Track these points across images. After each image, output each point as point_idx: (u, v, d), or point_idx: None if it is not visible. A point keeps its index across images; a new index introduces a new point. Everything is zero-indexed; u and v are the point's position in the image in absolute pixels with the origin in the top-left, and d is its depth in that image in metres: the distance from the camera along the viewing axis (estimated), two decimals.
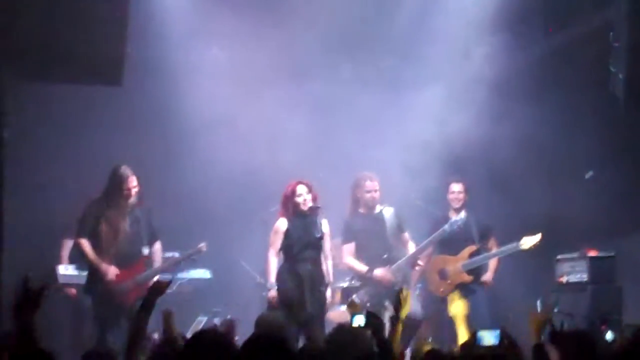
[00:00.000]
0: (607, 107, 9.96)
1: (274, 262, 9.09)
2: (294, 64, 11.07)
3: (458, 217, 9.81)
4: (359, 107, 11.18)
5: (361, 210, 9.81)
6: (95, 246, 9.10)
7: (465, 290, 10.04)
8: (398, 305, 6.08)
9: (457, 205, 10.07)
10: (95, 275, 9.12)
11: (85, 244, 9.13)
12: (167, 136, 11.21)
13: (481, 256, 10.10)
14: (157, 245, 9.43)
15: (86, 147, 10.82)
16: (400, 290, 6.24)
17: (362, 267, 9.62)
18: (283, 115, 10.93)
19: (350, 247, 9.77)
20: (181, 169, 10.85)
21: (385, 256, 9.64)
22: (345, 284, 9.84)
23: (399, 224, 9.82)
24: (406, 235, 9.88)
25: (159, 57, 10.72)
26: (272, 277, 9.01)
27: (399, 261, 9.62)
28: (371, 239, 9.69)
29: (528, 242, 9.80)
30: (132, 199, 9.15)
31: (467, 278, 10.06)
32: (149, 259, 9.23)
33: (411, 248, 9.79)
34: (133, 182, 9.12)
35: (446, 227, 9.78)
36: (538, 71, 10.73)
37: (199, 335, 4.77)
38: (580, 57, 10.48)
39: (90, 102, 10.68)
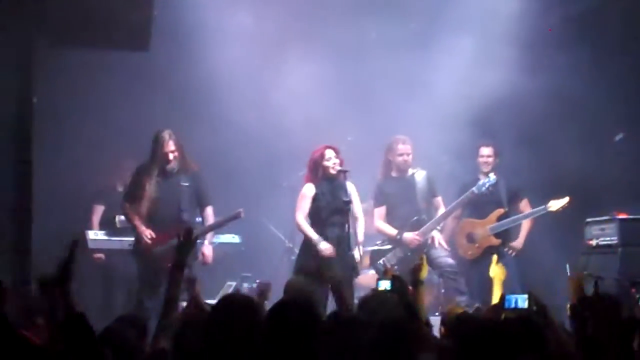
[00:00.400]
0: (636, 70, 9.86)
1: (306, 223, 9.08)
2: (321, 27, 10.98)
3: (486, 180, 9.76)
4: (387, 68, 11.10)
5: (393, 173, 9.82)
6: (137, 210, 9.20)
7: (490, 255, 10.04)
8: (417, 269, 6.05)
9: (486, 169, 10.02)
10: (137, 237, 9.24)
11: (127, 207, 9.29)
12: (194, 101, 11.19)
13: (508, 219, 10.06)
14: (209, 210, 9.43)
15: (113, 113, 10.83)
16: (420, 256, 6.25)
17: (392, 231, 9.66)
18: (310, 79, 10.87)
19: (381, 211, 9.80)
20: (209, 133, 10.83)
21: (414, 219, 9.64)
22: (374, 247, 9.84)
23: (431, 187, 9.83)
24: (438, 199, 9.88)
25: (184, 21, 10.67)
26: (313, 234, 8.98)
27: (427, 224, 9.62)
28: (402, 202, 9.71)
29: (555, 204, 9.76)
30: (172, 164, 9.17)
31: (495, 241, 10.05)
32: (187, 222, 9.17)
33: (442, 212, 9.79)
34: (170, 146, 9.16)
35: (474, 189, 9.76)
36: (569, 30, 10.59)
37: (226, 299, 4.74)
38: (613, 16, 10.37)
39: (117, 68, 10.67)
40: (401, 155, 9.72)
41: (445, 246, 9.66)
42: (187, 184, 9.27)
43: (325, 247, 8.87)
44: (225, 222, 9.41)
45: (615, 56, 10.33)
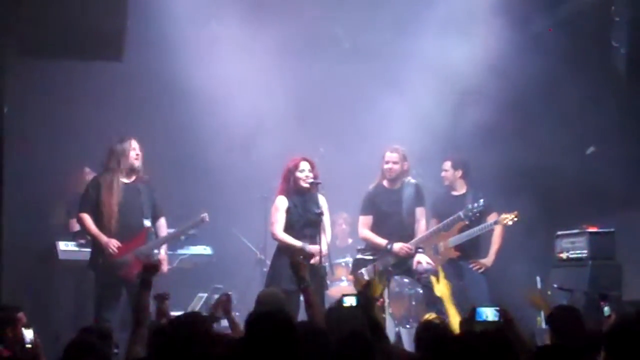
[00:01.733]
0: (608, 81, 9.93)
1: (285, 234, 9.02)
2: (293, 36, 11.01)
3: (475, 205, 9.65)
4: (360, 77, 11.15)
5: (385, 183, 9.67)
6: (97, 220, 9.08)
7: (457, 267, 10.09)
8: (369, 286, 5.98)
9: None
10: (97, 249, 9.12)
11: (86, 218, 9.11)
12: (167, 111, 11.18)
13: (463, 233, 10.01)
14: (162, 221, 9.38)
15: (86, 122, 10.79)
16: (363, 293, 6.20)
17: (381, 240, 9.47)
18: (283, 88, 10.91)
19: (368, 220, 9.64)
20: (180, 144, 10.84)
21: (403, 233, 9.50)
22: (358, 257, 9.70)
23: (418, 198, 9.63)
24: (421, 210, 9.67)
25: (158, 31, 10.66)
26: (295, 241, 8.90)
27: (416, 239, 9.50)
28: (390, 215, 9.56)
29: (504, 219, 9.70)
30: (136, 164, 9.13)
31: (454, 254, 10.05)
32: (151, 230, 9.19)
33: (422, 225, 9.66)
34: (133, 144, 9.13)
35: (461, 214, 9.63)
36: (539, 46, 10.65)
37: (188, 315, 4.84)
38: (582, 31, 10.44)
39: (90, 78, 10.65)
40: (387, 163, 9.58)
41: (433, 264, 9.50)
42: (145, 193, 9.22)
43: (315, 248, 8.85)
44: (190, 227, 9.36)
45: (586, 69, 10.39)
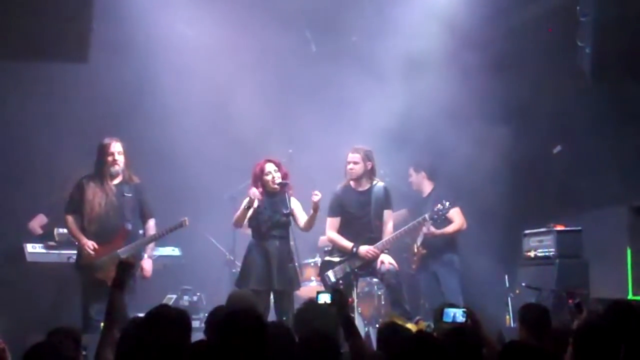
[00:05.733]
0: (573, 81, 9.99)
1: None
2: (261, 40, 11.00)
3: (440, 207, 9.60)
4: (327, 80, 11.15)
5: (352, 184, 9.56)
6: (80, 221, 9.12)
7: (431, 272, 10.14)
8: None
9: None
10: (79, 250, 9.15)
11: (70, 219, 9.18)
12: (132, 113, 11.13)
13: (423, 232, 10.05)
14: (150, 223, 9.36)
15: (53, 123, 10.74)
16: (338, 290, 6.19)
17: (347, 243, 9.41)
18: (251, 90, 10.90)
19: (335, 222, 9.55)
20: (147, 146, 10.79)
21: (370, 236, 9.45)
22: (325, 258, 9.66)
23: (384, 200, 9.51)
24: (388, 212, 9.55)
25: (124, 33, 10.63)
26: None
27: (381, 241, 9.44)
28: (357, 217, 9.48)
29: (432, 214, 9.65)
30: (117, 168, 9.12)
31: (422, 251, 10.14)
32: (130, 232, 9.16)
33: (389, 227, 9.56)
34: (116, 147, 9.12)
35: (427, 216, 9.58)
36: (505, 45, 10.70)
37: (157, 312, 4.78)
38: (548, 31, 10.50)
39: (56, 79, 10.59)
40: (348, 163, 9.49)
41: (395, 265, 9.45)
42: (130, 195, 9.22)
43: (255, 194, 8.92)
44: (170, 231, 9.32)
45: (552, 69, 10.45)
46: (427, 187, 10.44)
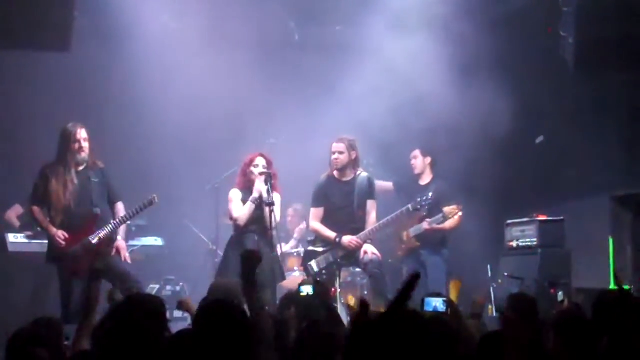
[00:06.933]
0: (556, 71, 10.01)
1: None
2: (244, 30, 10.97)
3: (424, 197, 9.59)
4: (308, 72, 11.14)
5: (335, 174, 9.52)
6: (48, 210, 8.89)
7: (418, 255, 10.12)
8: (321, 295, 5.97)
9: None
10: (50, 241, 8.94)
11: (36, 210, 8.93)
12: (115, 102, 11.10)
13: (419, 225, 10.01)
14: (119, 206, 9.08)
15: (34, 112, 10.69)
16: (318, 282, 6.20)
17: (330, 233, 9.38)
18: (233, 80, 10.85)
19: (319, 212, 9.53)
20: (129, 135, 10.77)
21: (353, 226, 9.44)
22: (309, 248, 9.66)
23: (368, 190, 9.47)
24: (372, 202, 9.50)
25: (107, 23, 10.58)
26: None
27: (365, 232, 9.44)
28: (341, 207, 9.46)
29: (449, 212, 9.70)
30: (84, 155, 8.92)
31: (415, 244, 10.09)
32: (100, 218, 8.94)
33: (372, 218, 9.53)
34: (82, 134, 8.89)
35: (410, 206, 9.53)
36: (488, 37, 10.69)
37: (132, 300, 4.75)
38: (531, 22, 10.51)
39: (38, 68, 10.55)
40: (333, 153, 9.43)
41: (379, 254, 9.45)
42: (96, 180, 8.96)
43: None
44: (140, 210, 9.10)
45: (535, 59, 10.47)
46: (428, 175, 10.25)
